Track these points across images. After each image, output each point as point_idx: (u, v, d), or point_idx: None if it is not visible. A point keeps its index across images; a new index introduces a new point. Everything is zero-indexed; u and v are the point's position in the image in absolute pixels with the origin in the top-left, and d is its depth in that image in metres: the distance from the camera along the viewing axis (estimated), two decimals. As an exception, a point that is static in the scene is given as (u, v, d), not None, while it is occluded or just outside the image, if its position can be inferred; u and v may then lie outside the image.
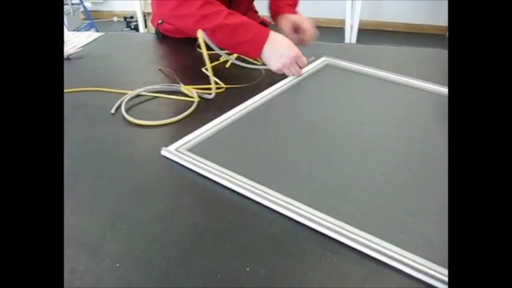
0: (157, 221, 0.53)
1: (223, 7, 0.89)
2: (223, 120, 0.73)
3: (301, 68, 0.90)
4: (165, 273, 0.45)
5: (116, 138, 0.70)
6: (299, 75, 0.90)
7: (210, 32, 0.86)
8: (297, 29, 1.04)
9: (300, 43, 1.01)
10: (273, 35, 0.89)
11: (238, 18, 0.88)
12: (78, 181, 0.59)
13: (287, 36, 0.97)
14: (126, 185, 0.59)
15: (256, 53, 0.89)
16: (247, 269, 0.46)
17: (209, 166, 0.60)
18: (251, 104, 0.78)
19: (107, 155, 0.65)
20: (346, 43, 2.88)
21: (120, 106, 0.77)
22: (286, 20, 1.06)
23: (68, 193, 0.57)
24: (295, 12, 1.09)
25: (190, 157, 0.62)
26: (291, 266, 0.46)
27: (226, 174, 0.59)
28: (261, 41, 0.87)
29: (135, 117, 0.73)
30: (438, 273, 0.44)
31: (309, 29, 1.01)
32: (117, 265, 0.46)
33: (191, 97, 0.81)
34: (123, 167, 0.63)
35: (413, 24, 3.53)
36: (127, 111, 0.76)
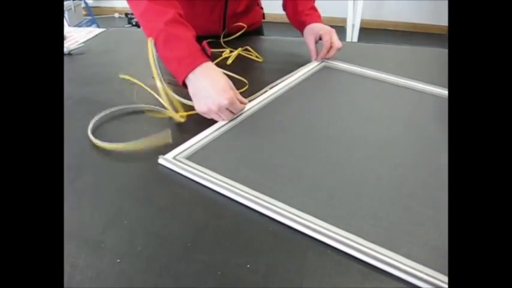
0: (158, 217, 0.53)
1: (174, 7, 0.76)
2: (222, 126, 0.70)
3: (234, 113, 0.72)
4: (165, 269, 0.45)
5: (115, 134, 0.70)
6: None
7: (148, 34, 0.75)
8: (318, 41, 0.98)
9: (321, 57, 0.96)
10: (208, 69, 0.71)
11: (179, 29, 0.74)
12: (79, 176, 0.60)
13: (311, 52, 0.96)
14: (127, 181, 0.59)
15: (180, 78, 0.72)
16: (248, 265, 0.46)
17: (209, 175, 0.58)
18: (248, 109, 0.76)
19: (108, 151, 0.65)
20: (348, 42, 2.88)
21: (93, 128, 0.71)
22: (311, 31, 0.98)
23: (69, 188, 0.57)
24: (318, 18, 1.02)
25: (189, 166, 0.60)
26: (291, 263, 0.46)
27: (227, 184, 0.57)
28: (188, 67, 0.71)
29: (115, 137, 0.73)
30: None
31: (327, 45, 0.94)
32: (118, 260, 0.47)
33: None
34: (125, 162, 0.63)
35: (415, 23, 3.52)
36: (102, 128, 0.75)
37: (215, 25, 1.06)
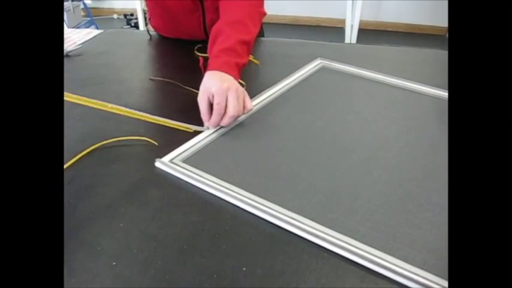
0: (154, 219, 0.52)
1: None
2: (218, 129, 0.70)
3: None
4: (161, 272, 0.45)
5: (113, 136, 0.70)
6: None
7: None
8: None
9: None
10: None
11: None
12: (76, 178, 0.59)
13: (202, 116, 0.70)
14: (123, 183, 0.59)
15: None
16: (244, 268, 0.46)
17: (206, 178, 0.58)
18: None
19: (105, 153, 0.65)
20: (346, 43, 2.88)
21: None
22: (204, 87, 0.70)
23: (65, 190, 0.57)
24: (224, 67, 0.72)
25: (185, 169, 0.60)
26: (287, 266, 0.46)
27: (224, 186, 0.57)
28: None
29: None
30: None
31: (218, 111, 0.67)
32: (114, 263, 0.46)
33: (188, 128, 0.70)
34: (121, 164, 0.63)
35: (413, 24, 3.53)
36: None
37: (197, 33, 1.05)
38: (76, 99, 0.60)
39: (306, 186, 0.58)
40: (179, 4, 0.99)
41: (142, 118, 0.69)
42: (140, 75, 0.92)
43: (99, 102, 0.64)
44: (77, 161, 0.63)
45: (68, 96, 0.59)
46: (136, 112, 0.67)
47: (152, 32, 1.16)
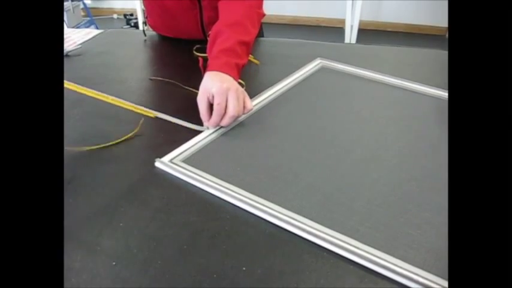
0: (154, 219, 0.52)
1: None
2: (218, 129, 0.70)
3: None
4: (161, 272, 0.45)
5: (113, 135, 0.70)
6: None
7: None
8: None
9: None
10: None
11: None
12: (75, 178, 0.59)
13: (202, 116, 0.70)
14: (123, 183, 0.59)
15: None
16: (244, 268, 0.46)
17: (206, 178, 0.58)
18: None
19: (105, 153, 0.65)
20: (345, 43, 2.88)
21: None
22: (204, 87, 0.70)
23: (65, 190, 0.57)
24: (225, 67, 0.73)
25: (185, 169, 0.60)
26: (287, 266, 0.46)
27: (223, 186, 0.57)
28: None
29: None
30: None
31: (218, 111, 0.68)
32: (114, 263, 0.46)
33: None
34: (121, 164, 0.62)
35: (413, 24, 3.53)
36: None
37: (195, 31, 1.04)
38: (75, 87, 0.61)
39: (306, 186, 0.58)
40: (176, 2, 0.99)
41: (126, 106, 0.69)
42: (140, 75, 0.92)
43: (100, 93, 0.64)
44: (77, 161, 0.63)
45: (68, 84, 0.60)
46: (133, 105, 0.68)
47: (149, 31, 1.16)
